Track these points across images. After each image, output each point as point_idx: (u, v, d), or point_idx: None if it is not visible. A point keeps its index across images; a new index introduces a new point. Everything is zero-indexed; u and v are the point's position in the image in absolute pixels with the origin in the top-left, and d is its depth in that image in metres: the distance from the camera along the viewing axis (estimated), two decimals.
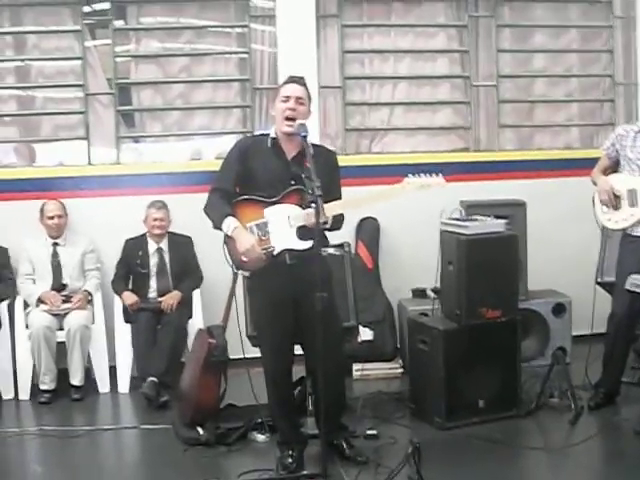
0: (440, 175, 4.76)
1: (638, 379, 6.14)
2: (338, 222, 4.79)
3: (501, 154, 7.60)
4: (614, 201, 5.60)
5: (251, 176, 4.77)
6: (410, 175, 4.75)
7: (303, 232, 4.66)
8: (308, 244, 4.64)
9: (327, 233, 4.87)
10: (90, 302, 6.69)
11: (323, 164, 4.65)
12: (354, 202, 4.86)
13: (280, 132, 4.76)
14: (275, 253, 4.71)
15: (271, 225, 4.72)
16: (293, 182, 4.69)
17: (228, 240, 4.76)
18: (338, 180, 4.90)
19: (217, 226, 4.75)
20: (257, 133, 5.24)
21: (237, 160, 4.81)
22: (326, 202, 4.48)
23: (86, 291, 6.68)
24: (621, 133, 5.70)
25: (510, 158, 7.57)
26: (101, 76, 7.25)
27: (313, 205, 4.36)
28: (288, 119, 4.69)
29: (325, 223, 4.50)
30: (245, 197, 4.78)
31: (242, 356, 5.63)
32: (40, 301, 6.54)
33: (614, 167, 5.75)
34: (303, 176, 4.57)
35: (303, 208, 4.64)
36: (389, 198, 4.88)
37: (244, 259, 4.69)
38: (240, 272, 4.88)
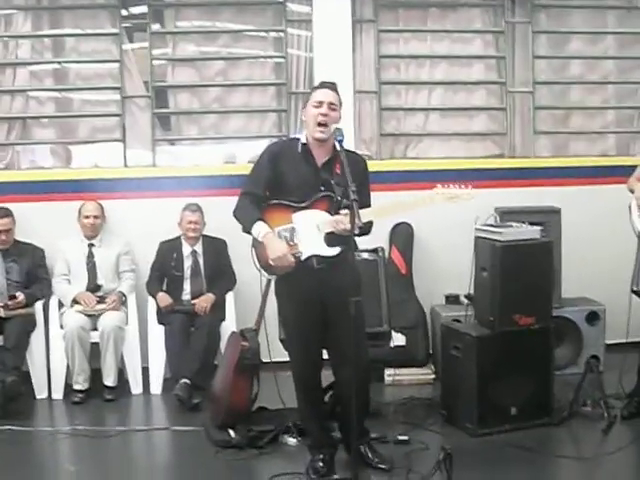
0: (469, 186, 4.74)
1: None
2: (367, 228, 4.75)
3: (536, 161, 7.56)
4: None
5: (281, 181, 4.76)
6: (439, 185, 4.74)
7: (331, 238, 4.65)
8: (336, 250, 4.65)
9: (357, 238, 4.85)
10: (124, 303, 6.74)
11: (352, 170, 4.59)
12: (382, 211, 4.84)
13: (311, 138, 4.75)
14: (303, 258, 4.70)
15: (299, 231, 4.71)
16: (322, 188, 4.68)
17: (256, 244, 4.76)
18: (367, 187, 4.86)
19: (247, 230, 4.75)
20: (287, 138, 5.21)
21: (267, 164, 4.80)
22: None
23: (120, 292, 6.73)
24: None
25: (545, 165, 7.52)
26: (138, 79, 7.30)
27: (345, 210, 4.41)
28: (320, 125, 4.67)
29: (360, 228, 4.50)
30: (274, 202, 4.77)
31: (272, 360, 5.68)
32: (75, 302, 6.59)
33: None
34: (333, 182, 4.60)
35: (331, 214, 4.64)
36: (417, 208, 4.86)
37: (272, 264, 4.69)
38: (267, 276, 4.88)
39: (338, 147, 4.60)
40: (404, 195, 5.10)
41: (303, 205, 4.71)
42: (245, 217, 4.76)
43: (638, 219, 5.70)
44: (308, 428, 5.12)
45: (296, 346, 4.93)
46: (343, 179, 4.47)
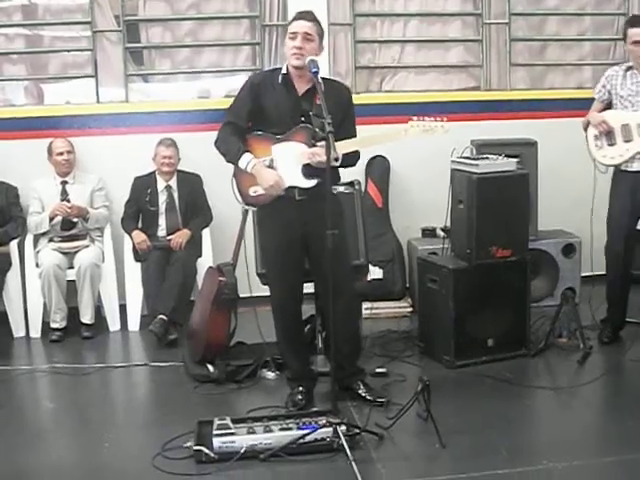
0: (445, 119, 4.72)
1: None
2: (351, 159, 4.79)
3: (512, 93, 7.51)
4: (611, 128, 5.67)
5: (262, 112, 4.74)
6: (415, 118, 4.72)
7: (308, 170, 4.65)
8: (313, 182, 4.65)
9: (341, 170, 4.86)
10: (86, 219, 6.65)
11: (335, 100, 4.64)
12: (355, 143, 4.80)
13: (291, 67, 4.71)
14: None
15: (278, 162, 4.72)
16: (302, 119, 4.66)
17: (238, 175, 4.78)
18: (352, 117, 4.87)
19: (231, 161, 4.76)
20: (269, 68, 5.18)
21: (249, 95, 4.78)
22: (336, 140, 4.47)
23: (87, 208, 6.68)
24: (610, 74, 5.83)
25: (521, 97, 7.48)
26: (109, 13, 7.14)
27: (321, 142, 4.39)
28: (295, 55, 4.63)
29: (336, 160, 4.48)
30: (256, 133, 4.76)
31: (249, 294, 5.67)
32: (50, 240, 6.56)
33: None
34: (311, 114, 4.58)
35: (309, 147, 4.62)
36: (390, 140, 4.85)
37: (252, 194, 4.73)
38: (248, 207, 4.87)
39: (319, 79, 4.58)
40: (380, 128, 5.05)
41: (282, 137, 4.70)
42: (230, 148, 4.77)
43: (595, 148, 5.81)
44: (287, 361, 5.14)
45: (276, 278, 4.94)
46: (322, 110, 4.44)
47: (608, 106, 5.83)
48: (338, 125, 4.53)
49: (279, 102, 4.72)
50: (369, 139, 4.88)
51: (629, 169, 5.70)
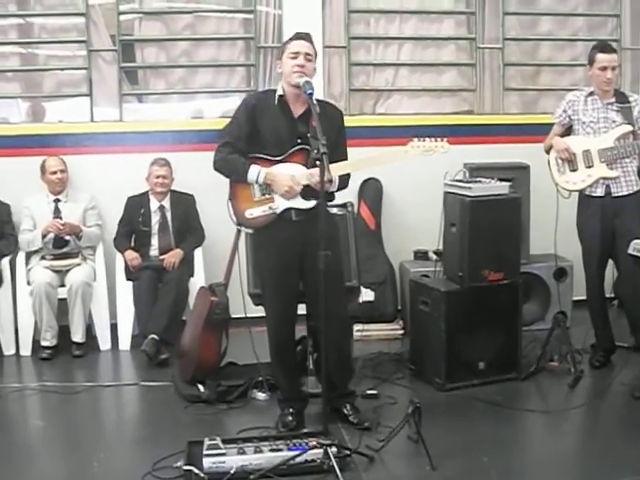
0: (445, 140, 4.76)
1: (635, 345, 6.13)
2: (344, 181, 4.81)
3: (505, 117, 7.56)
4: (573, 157, 5.73)
5: (258, 134, 4.74)
6: (415, 139, 4.76)
7: (306, 191, 4.65)
8: (311, 203, 4.65)
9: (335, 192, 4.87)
10: (79, 237, 6.64)
11: (329, 122, 4.66)
12: (356, 164, 4.82)
13: (288, 87, 4.70)
14: (278, 212, 4.71)
15: None
16: (299, 141, 4.67)
17: (233, 197, 4.78)
18: (344, 140, 4.88)
19: (239, 178, 4.73)
20: (262, 90, 5.18)
21: (245, 118, 4.76)
22: (331, 162, 4.49)
23: (80, 225, 6.68)
24: (572, 99, 5.87)
25: (514, 122, 7.53)
26: (104, 33, 7.17)
27: (318, 163, 4.38)
28: (296, 72, 4.63)
29: (330, 182, 4.50)
30: (252, 155, 4.74)
31: (243, 315, 5.65)
32: (42, 258, 6.55)
33: (567, 134, 5.91)
34: (309, 135, 4.58)
35: (307, 168, 4.63)
36: (391, 161, 4.86)
37: (248, 216, 4.71)
38: (243, 229, 4.86)
39: (314, 101, 4.57)
40: (376, 150, 5.06)
41: (279, 158, 4.70)
42: (234, 165, 4.74)
43: (557, 174, 5.88)
44: (279, 382, 5.11)
45: (272, 299, 4.91)
46: (317, 132, 4.46)
47: (569, 129, 5.88)
48: (333, 147, 4.55)
49: (275, 125, 4.72)
50: (369, 160, 4.89)
51: (593, 194, 5.74)
